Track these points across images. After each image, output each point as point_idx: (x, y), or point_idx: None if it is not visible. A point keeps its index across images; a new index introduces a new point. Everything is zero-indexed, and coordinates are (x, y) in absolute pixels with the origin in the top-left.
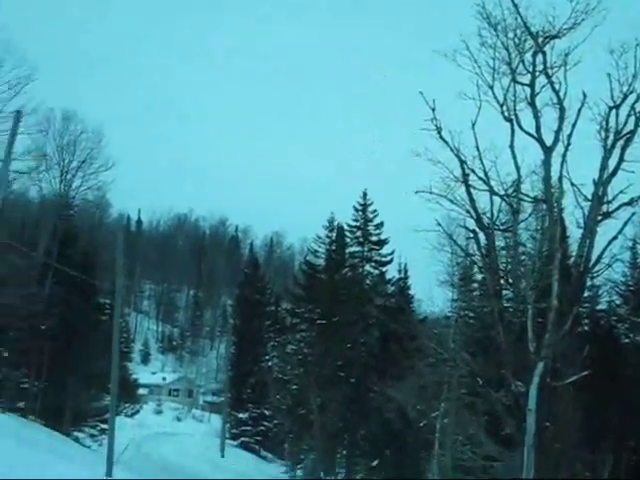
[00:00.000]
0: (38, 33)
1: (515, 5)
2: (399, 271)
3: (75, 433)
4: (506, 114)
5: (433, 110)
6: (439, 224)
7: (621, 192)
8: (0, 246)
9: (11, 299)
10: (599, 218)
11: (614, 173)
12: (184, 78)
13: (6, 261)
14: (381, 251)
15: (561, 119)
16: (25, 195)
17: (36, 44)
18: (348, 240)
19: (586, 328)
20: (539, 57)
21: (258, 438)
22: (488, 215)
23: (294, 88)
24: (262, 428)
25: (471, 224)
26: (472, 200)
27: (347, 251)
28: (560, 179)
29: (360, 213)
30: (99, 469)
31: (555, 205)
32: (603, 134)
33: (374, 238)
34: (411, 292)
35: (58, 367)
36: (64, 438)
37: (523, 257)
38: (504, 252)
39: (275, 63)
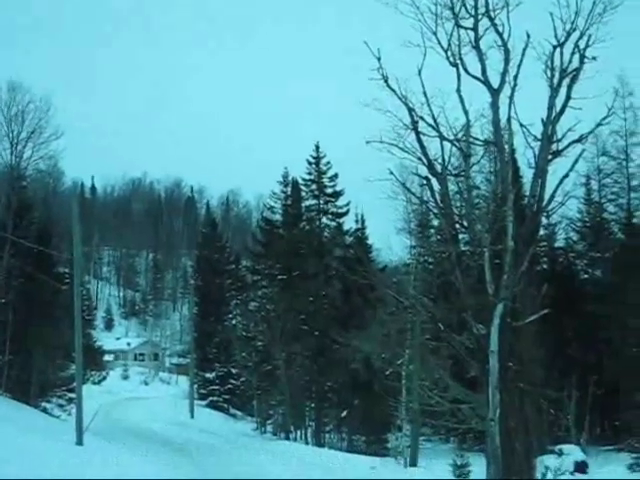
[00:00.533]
0: None
1: None
2: (356, 222)
3: (43, 404)
4: (451, 59)
5: (379, 59)
6: (392, 173)
7: (570, 130)
8: None
9: None
10: (550, 157)
11: (562, 111)
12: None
13: None
14: (337, 203)
15: (506, 61)
16: None
17: None
18: (303, 194)
19: (545, 267)
20: (481, 0)
21: (226, 397)
22: (440, 161)
23: (246, 38)
24: (230, 386)
25: (423, 171)
26: (423, 147)
27: (303, 205)
28: (509, 120)
29: (314, 166)
30: (69, 438)
31: (505, 147)
32: (549, 73)
33: (329, 190)
34: (369, 242)
35: (21, 339)
36: (32, 410)
37: (477, 200)
38: (458, 196)
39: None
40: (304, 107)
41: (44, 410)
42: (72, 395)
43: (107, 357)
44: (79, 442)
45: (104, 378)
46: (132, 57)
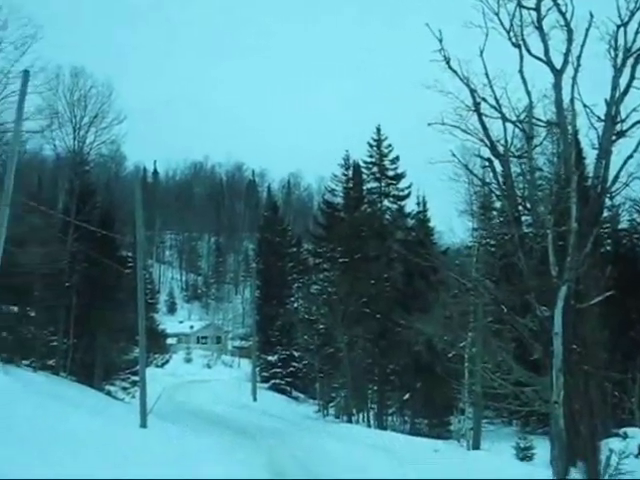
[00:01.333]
0: None
1: None
2: (418, 204)
3: (107, 387)
4: (514, 40)
5: (440, 41)
6: (454, 155)
7: (634, 110)
8: (18, 206)
9: (33, 259)
10: (613, 138)
11: (626, 91)
12: (194, 20)
13: (25, 221)
14: (398, 185)
15: (569, 41)
16: (39, 154)
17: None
18: (365, 177)
19: (609, 248)
20: None
21: (289, 379)
22: (502, 142)
23: (309, 20)
24: (292, 369)
25: (486, 152)
26: (485, 128)
27: (364, 188)
28: (572, 101)
29: (375, 149)
30: (133, 420)
31: (569, 128)
32: (612, 53)
33: (390, 173)
34: (431, 224)
35: (85, 323)
36: (96, 393)
37: (540, 182)
38: (521, 178)
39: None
40: (366, 89)
41: (108, 393)
42: (135, 378)
43: (170, 340)
44: (143, 424)
45: (167, 361)
46: (194, 38)
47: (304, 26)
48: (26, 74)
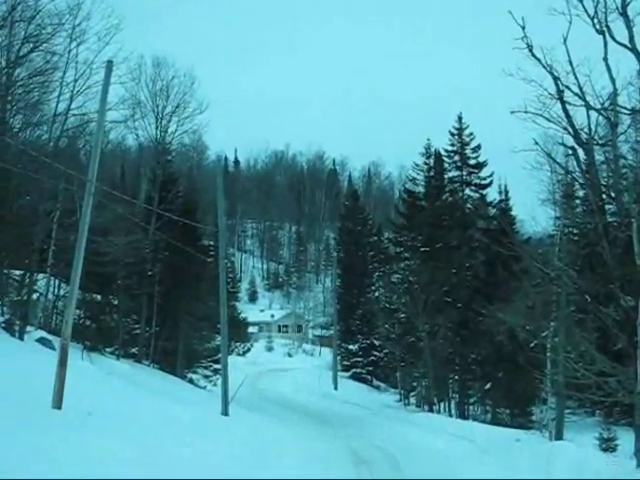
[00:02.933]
0: None
1: None
2: (499, 193)
3: (189, 375)
4: (598, 26)
5: (523, 28)
6: (537, 143)
7: None
8: (102, 196)
9: (117, 248)
10: None
11: None
12: (272, 10)
13: (108, 210)
14: (480, 174)
15: None
16: (123, 144)
17: None
18: (446, 165)
19: None
20: None
21: (369, 368)
22: (586, 130)
23: (389, 13)
24: (373, 358)
25: (569, 141)
26: (569, 116)
27: (446, 176)
28: None
29: (456, 137)
30: (215, 408)
31: None
32: None
33: (472, 161)
34: (513, 213)
35: (168, 311)
36: (178, 381)
37: (624, 170)
38: (604, 167)
39: None
40: (446, 78)
41: (190, 381)
42: (217, 366)
43: (251, 329)
44: (225, 412)
45: (249, 349)
46: (275, 29)
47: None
48: (109, 64)
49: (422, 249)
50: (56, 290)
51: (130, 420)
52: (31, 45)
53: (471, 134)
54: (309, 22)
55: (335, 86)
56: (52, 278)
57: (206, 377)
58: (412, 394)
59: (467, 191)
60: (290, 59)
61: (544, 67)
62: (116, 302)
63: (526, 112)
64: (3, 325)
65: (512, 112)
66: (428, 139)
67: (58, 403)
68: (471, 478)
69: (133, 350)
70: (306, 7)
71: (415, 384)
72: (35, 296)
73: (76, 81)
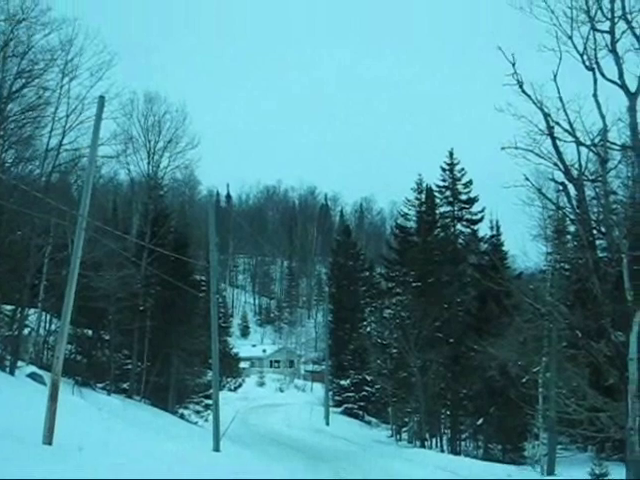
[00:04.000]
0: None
1: None
2: (491, 228)
3: (180, 410)
4: (587, 63)
5: (513, 65)
6: (527, 179)
7: None
8: (94, 231)
9: (108, 282)
10: None
11: None
12: (262, 48)
13: (100, 245)
14: (471, 209)
15: None
16: (115, 179)
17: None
18: (438, 201)
19: None
20: (617, 2)
21: (361, 404)
22: (576, 166)
23: (376, 48)
24: (364, 393)
25: (560, 176)
26: (559, 152)
27: (437, 212)
28: None
29: (448, 173)
30: (206, 444)
31: None
32: None
33: (463, 197)
34: (504, 248)
35: (159, 346)
36: (170, 416)
37: (615, 206)
38: (595, 202)
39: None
40: (438, 114)
41: (181, 416)
42: (209, 401)
43: (243, 364)
44: (216, 448)
45: (240, 385)
46: (268, 64)
47: (380, 51)
48: (101, 100)
49: (414, 284)
50: (47, 325)
51: (121, 456)
52: (23, 80)
53: (462, 169)
54: (301, 58)
55: (327, 122)
56: (43, 313)
57: (197, 412)
58: (404, 429)
59: (459, 226)
60: (282, 94)
61: (534, 103)
62: (107, 337)
63: (517, 148)
64: None
65: (503, 148)
66: (420, 174)
67: (49, 438)
68: None
69: (124, 385)
70: (299, 43)
71: (407, 419)
72: (26, 331)
73: (68, 116)
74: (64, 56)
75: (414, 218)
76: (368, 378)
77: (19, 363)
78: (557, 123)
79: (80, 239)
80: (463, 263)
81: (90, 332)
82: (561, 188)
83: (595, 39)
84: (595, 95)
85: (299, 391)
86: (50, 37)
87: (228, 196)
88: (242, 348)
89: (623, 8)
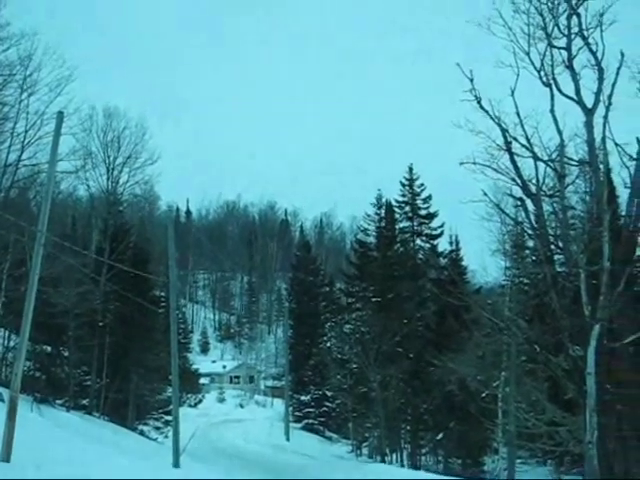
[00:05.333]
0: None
1: None
2: (450, 243)
3: (140, 427)
4: (544, 79)
5: (471, 80)
6: (485, 194)
7: None
8: (52, 246)
9: (67, 298)
10: None
11: None
12: (217, 63)
13: (59, 261)
14: (431, 224)
15: (600, 80)
16: (73, 194)
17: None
18: (397, 216)
19: None
20: (574, 19)
21: (322, 419)
22: (534, 181)
23: (333, 61)
24: (325, 409)
25: (518, 192)
26: (517, 168)
27: (397, 227)
28: (603, 140)
29: (407, 188)
30: (166, 460)
31: (600, 166)
32: None
33: (423, 212)
34: (464, 263)
35: (119, 363)
36: (129, 432)
37: (573, 221)
38: (553, 217)
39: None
40: (396, 129)
41: (141, 433)
42: (169, 418)
43: (203, 380)
44: (176, 464)
45: (200, 401)
46: (224, 77)
47: (340, 64)
48: (60, 115)
49: (374, 299)
50: (6, 342)
51: (79, 473)
52: None
53: (422, 185)
54: (258, 72)
55: (287, 136)
56: (2, 329)
57: (157, 429)
58: (364, 445)
59: (418, 241)
60: (242, 108)
61: (492, 119)
62: (67, 353)
63: (475, 163)
64: None
65: (461, 163)
66: (379, 190)
67: (6, 456)
68: None
69: (84, 402)
70: (259, 53)
71: (367, 435)
72: None
73: (27, 132)
74: (23, 71)
75: (374, 233)
76: (328, 393)
77: None
78: (515, 139)
79: (39, 255)
80: (423, 278)
81: (49, 348)
82: (519, 203)
83: (552, 55)
84: (552, 111)
85: (259, 407)
86: (9, 52)
87: (188, 211)
88: (202, 364)
89: (580, 25)
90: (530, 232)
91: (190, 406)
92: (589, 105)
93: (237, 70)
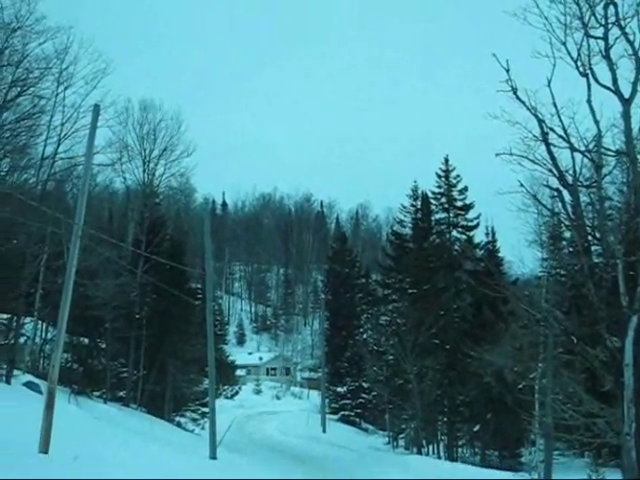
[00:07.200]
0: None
1: None
2: (486, 234)
3: (177, 418)
4: (581, 69)
5: (507, 71)
6: (522, 185)
7: None
8: (90, 239)
9: (104, 290)
10: None
11: None
12: (257, 54)
13: (96, 253)
14: (467, 216)
15: (637, 70)
16: (110, 187)
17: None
18: (433, 207)
19: None
20: (610, 9)
21: (358, 411)
22: (571, 172)
23: (370, 56)
24: (361, 401)
25: (554, 182)
26: (553, 158)
27: (433, 218)
28: None
29: (443, 179)
30: (203, 452)
31: (638, 157)
32: None
33: (459, 203)
34: (500, 255)
35: (155, 354)
36: (166, 424)
37: (610, 211)
38: (590, 208)
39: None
40: (434, 120)
41: (178, 424)
42: (205, 409)
43: (239, 372)
44: (213, 456)
45: (237, 392)
46: (263, 72)
47: (376, 59)
48: (96, 108)
49: (410, 291)
50: (43, 334)
51: (117, 464)
52: (18, 89)
53: (458, 176)
54: (298, 65)
55: (322, 129)
56: (39, 322)
57: (194, 420)
58: (401, 436)
59: (454, 233)
60: (276, 101)
61: (528, 109)
62: (104, 345)
63: (511, 154)
64: None
65: (497, 154)
66: (415, 181)
67: (45, 447)
68: None
69: (121, 394)
70: (294, 51)
71: (404, 426)
72: (22, 340)
73: (63, 125)
74: (59, 64)
75: (410, 225)
76: (365, 385)
77: (15, 372)
78: (551, 129)
79: (76, 247)
80: (459, 270)
81: (86, 340)
82: (556, 194)
83: (589, 45)
84: (589, 101)
85: (296, 398)
86: (45, 45)
87: (224, 204)
88: (238, 356)
89: (616, 14)
90: (567, 223)
91: (227, 398)
92: (626, 95)
93: (273, 62)
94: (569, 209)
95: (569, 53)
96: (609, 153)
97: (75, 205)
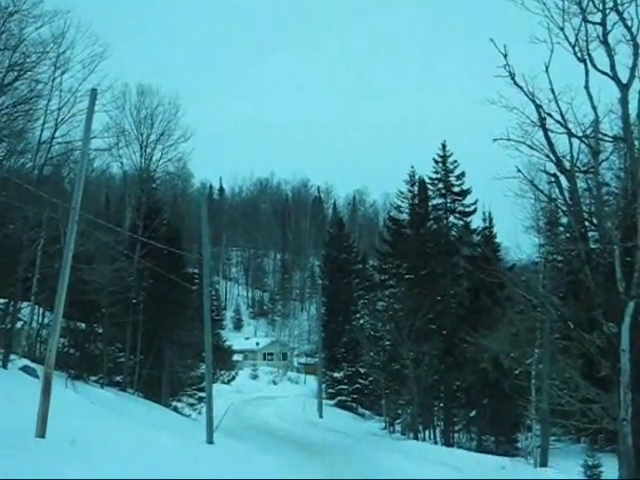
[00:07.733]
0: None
1: None
2: (484, 220)
3: (174, 403)
4: (579, 55)
5: (505, 56)
6: (519, 170)
7: None
8: (86, 224)
9: (101, 275)
10: None
11: None
12: (257, 40)
13: (93, 238)
14: (464, 201)
15: (635, 55)
16: (107, 172)
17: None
18: (430, 193)
19: None
20: None
21: (355, 396)
22: (568, 158)
23: (368, 40)
24: (358, 386)
25: (552, 168)
26: (551, 144)
27: (430, 204)
28: (639, 116)
29: (440, 165)
30: (200, 437)
31: (635, 143)
32: None
33: (456, 189)
34: (497, 240)
35: (152, 339)
36: (163, 409)
37: (607, 197)
38: (587, 194)
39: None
40: (431, 106)
41: (175, 409)
42: (202, 394)
43: (236, 357)
44: (210, 440)
45: (234, 377)
46: (261, 56)
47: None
48: (94, 92)
49: (407, 276)
50: (40, 318)
51: (114, 448)
52: (15, 73)
53: (455, 161)
54: (294, 49)
55: (320, 115)
56: (36, 306)
57: (191, 405)
58: (397, 422)
59: (451, 218)
60: (274, 87)
61: (526, 95)
62: (100, 330)
63: (508, 140)
64: None
65: (494, 140)
66: (412, 167)
67: (42, 432)
68: None
69: (117, 378)
70: (291, 34)
71: (400, 412)
72: (19, 324)
73: (60, 109)
74: (56, 49)
75: (407, 210)
76: (361, 370)
77: (12, 356)
78: (549, 114)
79: (73, 232)
80: (456, 255)
81: (83, 325)
82: (553, 180)
83: (587, 30)
84: (587, 87)
85: (292, 384)
86: (42, 30)
87: (221, 189)
88: (235, 341)
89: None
90: (564, 209)
91: (223, 383)
92: (624, 81)
93: (270, 47)
94: (566, 195)
95: (567, 38)
96: (607, 139)
97: (72, 190)
